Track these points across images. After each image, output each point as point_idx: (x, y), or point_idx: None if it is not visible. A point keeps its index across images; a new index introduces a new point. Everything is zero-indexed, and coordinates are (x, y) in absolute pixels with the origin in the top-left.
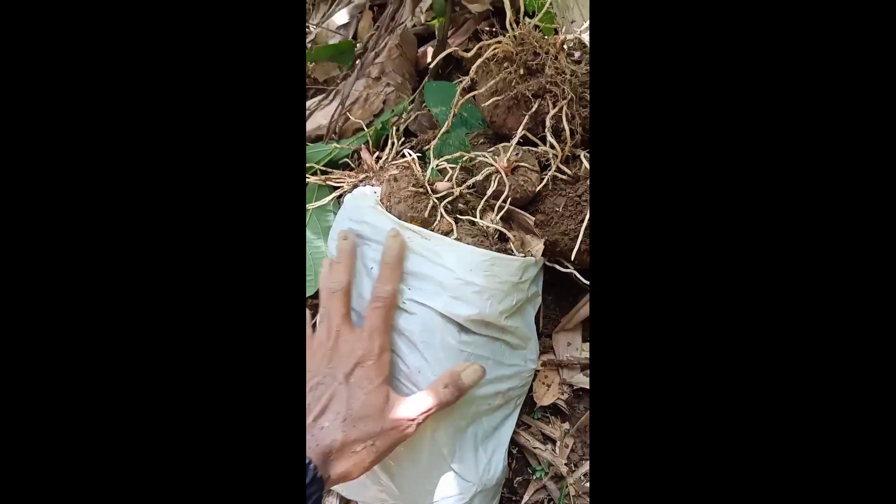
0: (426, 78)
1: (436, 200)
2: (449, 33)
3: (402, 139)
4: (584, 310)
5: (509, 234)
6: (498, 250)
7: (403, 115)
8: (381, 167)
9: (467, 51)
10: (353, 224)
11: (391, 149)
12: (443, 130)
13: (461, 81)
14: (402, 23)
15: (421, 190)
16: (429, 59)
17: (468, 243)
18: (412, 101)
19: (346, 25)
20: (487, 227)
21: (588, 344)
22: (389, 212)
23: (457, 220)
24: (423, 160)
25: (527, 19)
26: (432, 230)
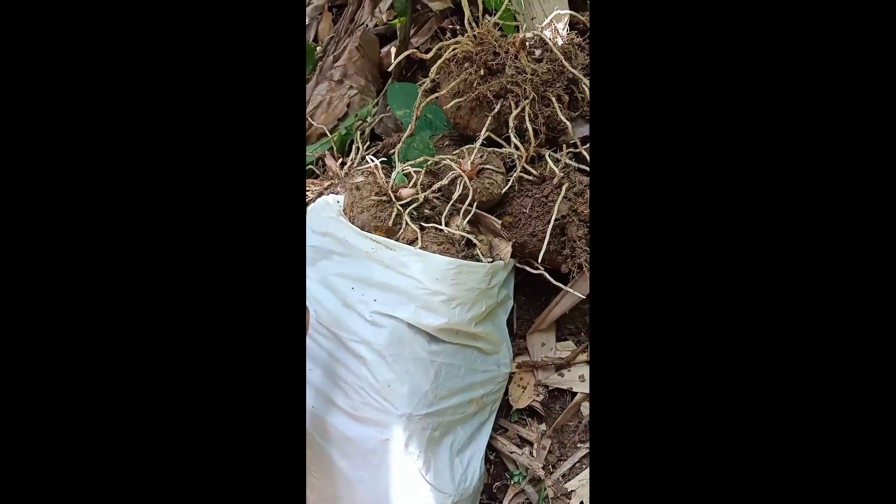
0: (390, 79)
1: (400, 208)
2: (411, 32)
3: (368, 143)
4: (556, 309)
5: (475, 241)
6: (465, 256)
7: (368, 119)
8: (346, 173)
9: (428, 51)
10: (316, 236)
11: (356, 154)
12: (406, 134)
13: (423, 83)
14: (362, 24)
15: (384, 198)
16: (392, 59)
17: (434, 251)
18: (376, 104)
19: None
20: (453, 233)
21: (562, 343)
22: (353, 222)
23: (422, 228)
24: (390, 164)
25: (487, 17)
26: (397, 239)
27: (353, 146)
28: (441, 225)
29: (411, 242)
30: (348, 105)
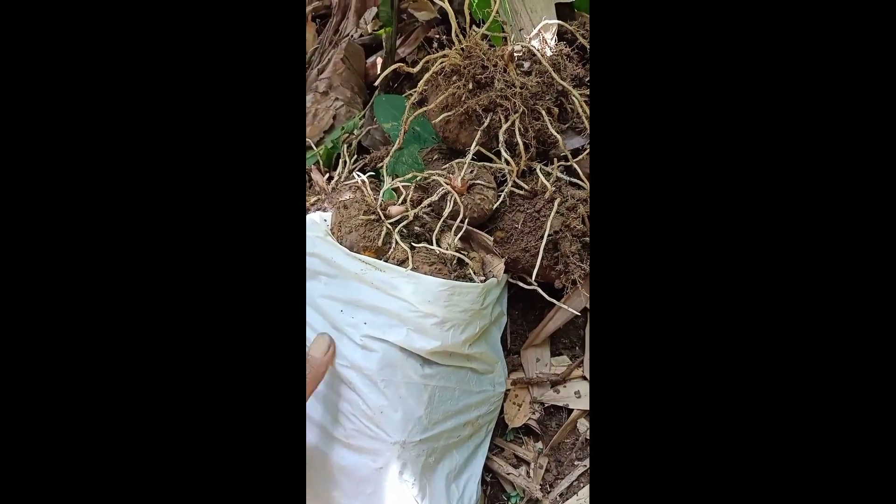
0: (377, 91)
1: (389, 226)
2: (397, 43)
3: (355, 156)
4: (550, 324)
5: (467, 260)
6: (457, 276)
7: (355, 131)
8: (333, 188)
9: (415, 63)
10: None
11: (343, 168)
12: (395, 148)
13: (411, 96)
14: (347, 35)
15: (373, 216)
16: (378, 71)
17: (425, 271)
18: (363, 117)
19: None
20: (444, 253)
21: (556, 358)
22: (341, 242)
23: (412, 247)
24: (378, 177)
25: (475, 28)
26: (387, 259)
27: (341, 160)
28: (432, 243)
29: (401, 262)
30: (334, 117)
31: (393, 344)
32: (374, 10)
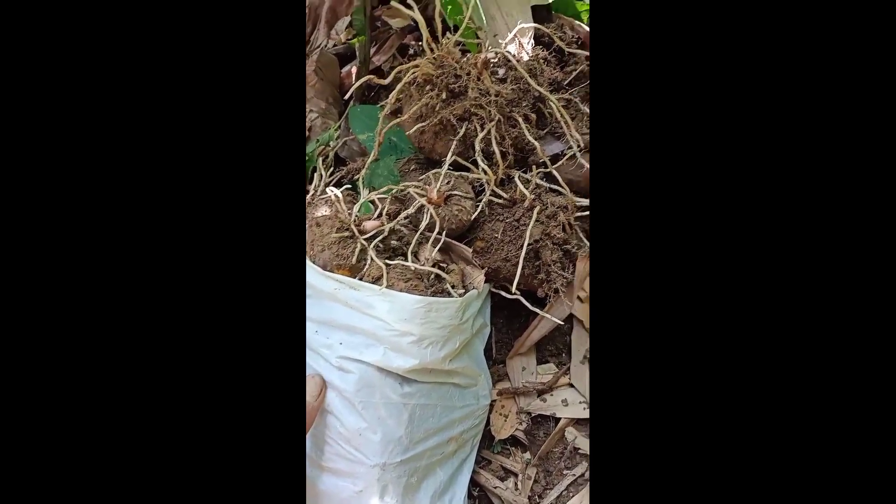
0: (351, 102)
1: (364, 243)
2: (371, 52)
3: (332, 168)
4: (535, 333)
5: (444, 275)
6: (435, 290)
7: (331, 143)
8: (309, 203)
9: (390, 72)
10: None
11: (319, 181)
12: (370, 159)
13: (384, 106)
14: (319, 46)
15: (347, 233)
16: (353, 81)
17: (401, 288)
18: (338, 128)
19: None
20: (420, 269)
21: (542, 366)
22: (315, 261)
23: (388, 264)
24: (355, 190)
25: (448, 36)
26: (362, 277)
27: (317, 173)
28: (408, 259)
29: (377, 280)
30: (309, 129)
31: (370, 364)
32: (346, 20)
